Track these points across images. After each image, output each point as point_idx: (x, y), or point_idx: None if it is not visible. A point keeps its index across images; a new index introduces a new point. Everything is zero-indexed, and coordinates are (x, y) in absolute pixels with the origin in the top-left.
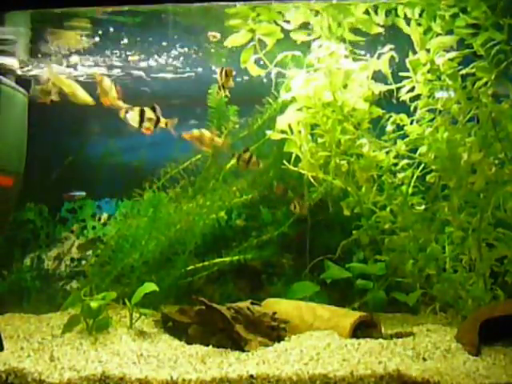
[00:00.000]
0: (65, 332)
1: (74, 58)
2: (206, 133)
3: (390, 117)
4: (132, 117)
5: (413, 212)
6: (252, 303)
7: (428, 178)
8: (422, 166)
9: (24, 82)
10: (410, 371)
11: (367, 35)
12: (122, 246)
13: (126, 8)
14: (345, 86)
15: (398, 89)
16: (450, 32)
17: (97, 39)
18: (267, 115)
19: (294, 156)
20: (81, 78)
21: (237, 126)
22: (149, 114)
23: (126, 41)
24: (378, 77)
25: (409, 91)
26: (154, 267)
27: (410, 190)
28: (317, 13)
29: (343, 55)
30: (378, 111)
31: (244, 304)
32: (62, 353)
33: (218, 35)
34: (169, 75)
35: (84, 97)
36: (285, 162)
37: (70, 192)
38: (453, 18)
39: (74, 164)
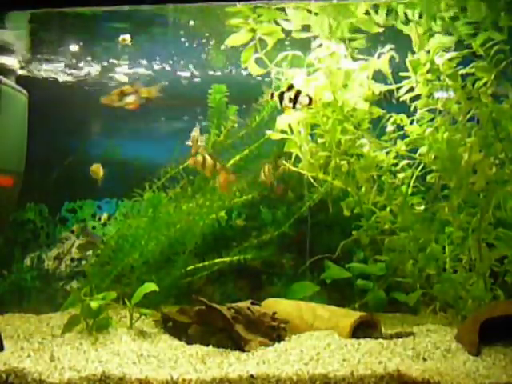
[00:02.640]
0: (65, 332)
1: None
2: (208, 159)
3: (390, 117)
4: None
5: (413, 212)
6: (252, 303)
7: (428, 178)
8: (422, 166)
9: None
10: (410, 371)
11: (367, 35)
12: (122, 245)
13: (126, 8)
14: (345, 86)
15: (398, 89)
16: (449, 32)
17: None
18: (265, 114)
19: (294, 156)
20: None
21: (235, 125)
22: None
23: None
24: (378, 77)
25: (408, 91)
26: (153, 267)
27: (410, 190)
28: (316, 14)
29: (343, 55)
30: (378, 111)
31: (244, 304)
32: (62, 353)
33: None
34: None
35: None
36: (285, 162)
37: None
38: (452, 19)
39: (73, 164)
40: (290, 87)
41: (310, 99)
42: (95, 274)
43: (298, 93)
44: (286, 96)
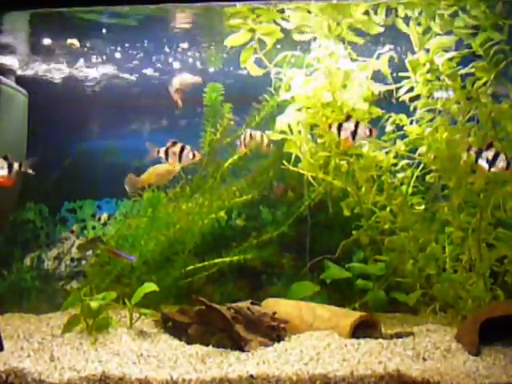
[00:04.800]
0: (65, 332)
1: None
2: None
3: (390, 117)
4: None
5: (413, 212)
6: (252, 303)
7: (428, 178)
8: (422, 166)
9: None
10: (410, 371)
11: (367, 35)
12: (122, 245)
13: (126, 8)
14: (344, 86)
15: (398, 89)
16: (449, 32)
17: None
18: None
19: (293, 156)
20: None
21: (232, 123)
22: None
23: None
24: (377, 77)
25: (408, 91)
26: (153, 267)
27: (410, 190)
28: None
29: (342, 55)
30: (378, 111)
31: (244, 304)
32: (62, 353)
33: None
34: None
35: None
36: (284, 162)
37: None
38: (452, 19)
39: (73, 164)
40: (348, 118)
41: (371, 131)
42: (95, 274)
43: (357, 124)
44: (346, 127)
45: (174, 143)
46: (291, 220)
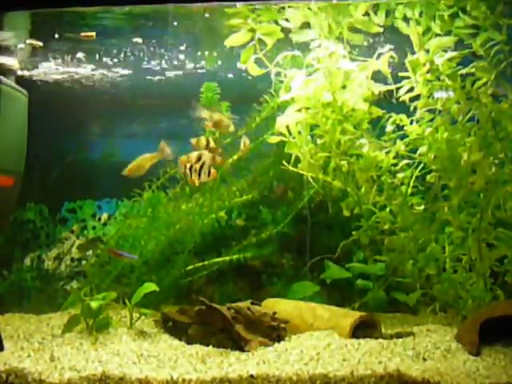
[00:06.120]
0: (65, 332)
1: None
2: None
3: (390, 117)
4: None
5: (413, 212)
6: (252, 303)
7: (428, 178)
8: (422, 166)
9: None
10: (409, 371)
11: (367, 35)
12: (122, 245)
13: (126, 8)
14: (344, 87)
15: (398, 89)
16: (449, 32)
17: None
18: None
19: (293, 156)
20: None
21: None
22: None
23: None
24: (377, 77)
25: (408, 91)
26: (153, 267)
27: (410, 190)
28: (316, 13)
29: (342, 55)
30: (378, 111)
31: (244, 304)
32: (62, 353)
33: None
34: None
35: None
36: (284, 162)
37: None
38: (452, 19)
39: (73, 164)
40: (199, 158)
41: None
42: (95, 274)
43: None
44: (194, 167)
45: (199, 158)
46: (291, 220)
